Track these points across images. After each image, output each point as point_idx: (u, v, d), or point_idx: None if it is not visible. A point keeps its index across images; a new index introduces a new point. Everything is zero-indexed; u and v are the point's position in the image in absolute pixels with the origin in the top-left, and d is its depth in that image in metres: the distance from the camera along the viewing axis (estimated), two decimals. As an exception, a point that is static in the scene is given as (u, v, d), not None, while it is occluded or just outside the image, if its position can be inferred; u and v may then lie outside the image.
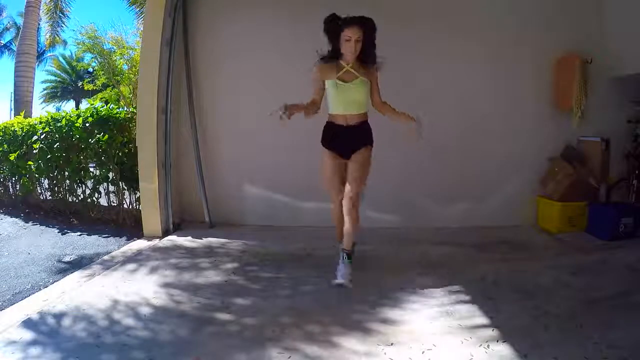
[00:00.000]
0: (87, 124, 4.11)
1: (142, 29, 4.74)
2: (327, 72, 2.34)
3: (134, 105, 4.59)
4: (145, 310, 2.10)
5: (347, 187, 2.32)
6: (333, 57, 2.34)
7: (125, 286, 2.42)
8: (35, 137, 4.49)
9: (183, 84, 3.80)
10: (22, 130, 4.84)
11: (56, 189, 4.72)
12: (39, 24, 10.73)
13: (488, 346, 1.73)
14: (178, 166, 3.86)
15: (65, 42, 12.47)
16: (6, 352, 1.72)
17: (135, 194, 4.09)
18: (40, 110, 19.80)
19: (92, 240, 3.65)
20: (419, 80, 3.54)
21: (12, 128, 5.04)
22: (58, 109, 20.21)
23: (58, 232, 3.98)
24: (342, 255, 2.40)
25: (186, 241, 3.35)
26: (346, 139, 2.37)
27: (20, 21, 12.82)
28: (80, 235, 3.83)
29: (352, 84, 2.31)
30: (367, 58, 2.32)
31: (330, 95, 2.36)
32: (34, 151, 4.49)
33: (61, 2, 10.63)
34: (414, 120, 2.31)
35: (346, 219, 2.34)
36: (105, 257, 3.03)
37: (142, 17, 6.79)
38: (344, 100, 2.34)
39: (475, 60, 3.59)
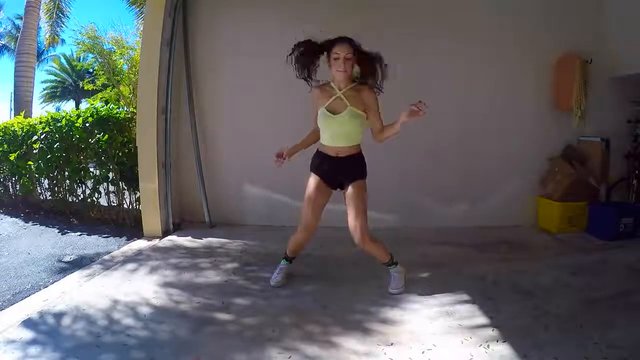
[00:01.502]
0: (87, 124, 4.11)
1: (142, 29, 4.74)
2: (320, 97, 2.21)
3: (134, 105, 4.59)
4: (145, 310, 2.10)
5: (351, 222, 2.19)
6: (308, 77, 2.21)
7: (125, 286, 2.42)
8: (35, 137, 4.49)
9: (183, 84, 3.80)
10: (22, 130, 4.83)
11: (56, 189, 4.72)
12: (39, 24, 10.73)
13: (488, 346, 1.73)
14: (178, 166, 3.86)
15: (63, 41, 12.46)
16: (6, 351, 1.73)
17: (135, 194, 4.08)
18: (40, 110, 19.85)
19: (92, 240, 3.65)
20: (419, 81, 3.54)
21: (12, 128, 5.03)
22: (58, 109, 20.24)
23: (58, 232, 3.98)
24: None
25: (186, 241, 3.35)
26: (335, 170, 2.25)
27: (18, 22, 12.83)
28: (80, 235, 3.83)
29: (340, 117, 2.15)
30: (364, 78, 2.17)
31: (320, 124, 2.23)
32: (34, 151, 4.48)
33: (61, 2, 10.62)
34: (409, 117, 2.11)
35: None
36: (105, 257, 3.03)
37: (142, 17, 6.79)
38: (332, 133, 2.20)
39: (475, 60, 3.59)
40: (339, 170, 2.25)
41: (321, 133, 2.27)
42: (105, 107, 4.26)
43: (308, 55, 2.17)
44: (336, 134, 2.21)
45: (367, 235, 2.18)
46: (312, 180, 2.31)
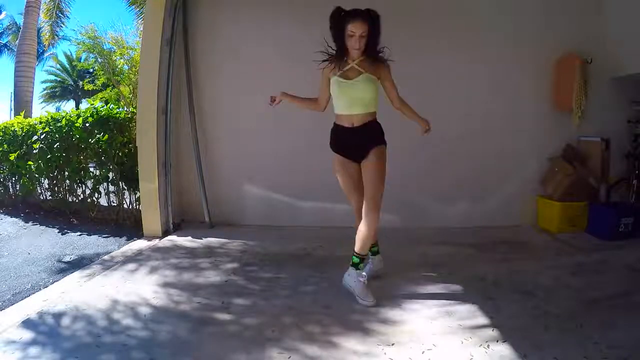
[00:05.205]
0: (87, 124, 4.11)
1: (142, 29, 4.74)
2: (331, 69, 2.25)
3: (134, 105, 4.59)
4: (145, 310, 2.10)
5: (367, 191, 2.18)
6: (340, 55, 2.21)
7: (125, 286, 2.42)
8: (35, 137, 4.49)
9: (183, 84, 3.80)
10: (22, 130, 4.84)
11: (56, 189, 4.72)
12: (39, 24, 10.73)
13: (488, 346, 1.72)
14: (178, 166, 3.86)
15: (62, 40, 12.48)
16: (6, 352, 1.72)
17: (135, 194, 4.09)
18: (40, 110, 19.86)
19: (92, 240, 3.65)
20: (419, 81, 3.54)
21: (12, 128, 5.03)
22: (58, 109, 20.26)
23: (58, 232, 3.98)
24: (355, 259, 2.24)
25: (186, 241, 3.35)
26: (352, 141, 2.24)
27: (20, 20, 12.81)
28: (80, 235, 3.83)
29: (355, 81, 2.18)
30: (374, 52, 2.19)
31: (334, 94, 2.24)
32: (34, 151, 4.48)
33: (61, 2, 10.62)
34: (425, 125, 2.36)
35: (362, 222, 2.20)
36: (105, 257, 3.03)
37: (142, 17, 6.79)
38: (347, 99, 2.20)
39: (476, 60, 3.59)
40: (356, 140, 2.24)
41: (336, 104, 2.26)
42: (105, 107, 4.26)
43: (339, 34, 2.17)
44: (351, 99, 2.20)
45: (379, 207, 2.16)
46: (336, 161, 2.31)
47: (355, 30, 2.10)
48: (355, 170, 2.28)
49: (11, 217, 4.78)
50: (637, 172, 3.51)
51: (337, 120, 2.29)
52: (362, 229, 2.18)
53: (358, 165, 2.28)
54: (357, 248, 2.21)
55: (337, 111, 2.28)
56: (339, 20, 2.15)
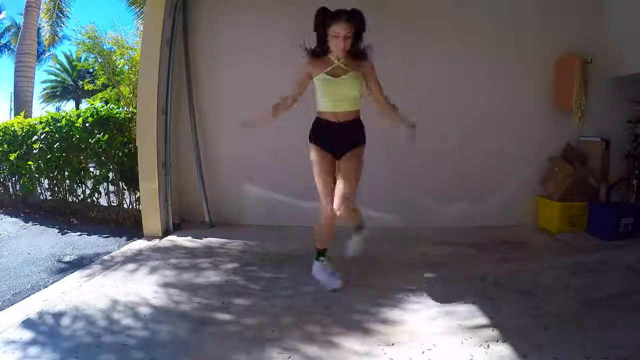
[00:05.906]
0: (87, 124, 4.11)
1: (142, 29, 4.74)
2: (317, 67, 2.24)
3: (134, 105, 4.59)
4: (145, 311, 2.10)
5: (342, 190, 2.17)
6: (323, 54, 2.24)
7: (125, 286, 2.42)
8: (35, 137, 4.49)
9: (183, 84, 3.80)
10: (22, 130, 4.84)
11: (56, 189, 4.72)
12: (39, 24, 10.73)
13: (488, 346, 1.72)
14: (178, 166, 3.86)
15: (62, 40, 12.48)
16: (6, 352, 1.72)
17: (135, 194, 4.09)
18: (40, 110, 19.88)
19: (92, 240, 3.65)
20: (419, 81, 3.55)
21: (12, 128, 5.03)
22: (58, 109, 20.28)
23: (58, 232, 3.98)
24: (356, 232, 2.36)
25: (186, 241, 3.35)
26: (336, 135, 2.26)
27: (20, 20, 12.81)
28: (80, 235, 3.83)
29: (341, 79, 2.21)
30: (357, 53, 2.23)
31: (319, 91, 2.25)
32: (34, 151, 4.49)
33: (61, 2, 10.61)
34: (405, 124, 2.30)
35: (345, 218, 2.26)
36: (105, 257, 3.03)
37: (142, 17, 6.79)
38: (332, 96, 2.23)
39: (475, 60, 3.59)
40: (340, 135, 2.27)
41: (321, 101, 2.28)
42: (105, 107, 4.26)
43: (323, 34, 2.20)
44: (338, 96, 2.24)
45: (353, 206, 2.21)
46: (316, 153, 2.31)
47: (340, 31, 2.13)
48: (331, 164, 2.30)
49: (11, 217, 4.78)
50: (637, 172, 3.51)
51: (321, 115, 2.32)
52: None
53: (334, 160, 2.30)
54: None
55: (321, 108, 2.30)
56: (324, 20, 2.18)
